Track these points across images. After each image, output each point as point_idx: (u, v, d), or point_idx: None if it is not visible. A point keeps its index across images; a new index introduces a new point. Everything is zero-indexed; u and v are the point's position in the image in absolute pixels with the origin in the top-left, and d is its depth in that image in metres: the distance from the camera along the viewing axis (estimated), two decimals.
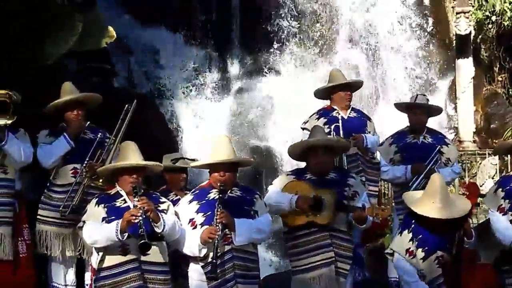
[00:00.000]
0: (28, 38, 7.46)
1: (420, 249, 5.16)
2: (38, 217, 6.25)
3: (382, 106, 11.88)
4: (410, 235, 5.11)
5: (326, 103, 7.46)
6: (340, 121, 7.10)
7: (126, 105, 6.40)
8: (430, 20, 12.80)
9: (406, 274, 5.15)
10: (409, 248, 5.10)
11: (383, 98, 12.09)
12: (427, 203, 5.20)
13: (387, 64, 12.51)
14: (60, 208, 6.11)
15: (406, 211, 5.60)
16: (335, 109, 7.24)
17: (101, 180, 5.89)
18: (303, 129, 7.30)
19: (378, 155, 7.41)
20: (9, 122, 5.70)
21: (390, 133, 7.22)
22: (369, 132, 7.25)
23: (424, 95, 7.35)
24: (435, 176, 5.43)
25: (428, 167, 6.61)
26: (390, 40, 12.63)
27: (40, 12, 7.42)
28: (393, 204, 7.46)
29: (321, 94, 7.50)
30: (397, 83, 12.37)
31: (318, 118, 7.20)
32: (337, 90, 7.25)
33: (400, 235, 5.21)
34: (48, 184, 6.31)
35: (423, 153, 6.83)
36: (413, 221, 5.17)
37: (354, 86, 7.48)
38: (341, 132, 6.95)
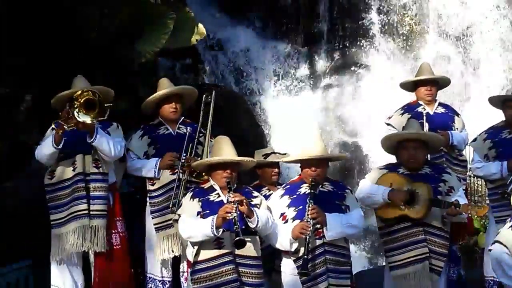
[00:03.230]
0: (122, 37, 7.65)
1: None
2: (155, 227, 6.32)
3: (473, 102, 11.58)
4: None
5: (413, 97, 7.37)
6: (424, 117, 6.97)
7: (204, 96, 6.46)
8: None
9: (509, 268, 4.96)
10: None
11: (475, 93, 11.78)
12: None
13: (480, 59, 12.19)
14: (170, 207, 6.13)
15: None
16: (421, 104, 7.14)
17: (204, 174, 5.95)
18: (387, 124, 7.25)
19: (466, 152, 7.26)
20: (94, 120, 5.82)
21: (479, 130, 7.04)
22: (457, 128, 7.11)
23: None
24: None
25: None
26: (483, 33, 12.29)
27: (135, 11, 7.59)
28: (487, 201, 7.27)
29: (406, 86, 7.43)
30: (491, 77, 12.02)
31: (402, 114, 7.13)
32: (420, 85, 7.16)
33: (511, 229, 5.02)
34: (148, 195, 6.39)
35: None
36: None
37: (440, 82, 7.33)
38: (426, 128, 6.80)
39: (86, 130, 5.91)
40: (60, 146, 5.90)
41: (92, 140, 5.94)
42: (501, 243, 4.97)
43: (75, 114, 5.76)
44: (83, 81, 6.24)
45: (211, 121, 6.32)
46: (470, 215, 5.60)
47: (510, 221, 5.06)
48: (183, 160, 6.25)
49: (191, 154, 6.30)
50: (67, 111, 5.90)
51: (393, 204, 5.61)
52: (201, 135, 6.39)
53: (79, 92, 5.83)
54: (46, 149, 5.97)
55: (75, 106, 5.76)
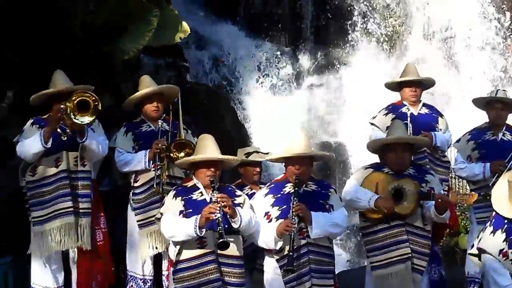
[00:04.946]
0: (106, 34, 7.60)
1: (511, 251, 4.96)
2: (138, 223, 6.31)
3: (456, 104, 11.63)
4: (504, 235, 4.92)
5: (397, 97, 7.38)
6: (408, 118, 6.99)
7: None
8: (508, 14, 12.48)
9: (498, 276, 4.92)
10: (503, 249, 4.89)
11: (458, 95, 11.84)
12: None
13: (462, 60, 12.26)
14: (154, 186, 6.18)
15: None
16: (405, 105, 7.16)
17: (186, 151, 5.91)
18: (371, 124, 7.26)
19: (448, 153, 7.28)
20: (90, 120, 5.81)
21: (463, 131, 7.07)
22: (441, 129, 7.12)
23: (505, 90, 7.17)
24: None
25: (509, 166, 6.44)
26: (466, 35, 12.37)
27: (120, 7, 7.55)
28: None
29: (391, 87, 7.45)
30: (474, 79, 12.10)
31: (386, 114, 7.14)
32: (405, 85, 7.19)
33: (493, 235, 5.00)
34: (132, 192, 6.39)
35: (502, 151, 6.67)
36: (506, 221, 4.98)
37: (425, 83, 7.35)
38: (409, 129, 6.82)
39: (78, 130, 5.90)
40: (49, 145, 5.87)
41: (83, 140, 5.93)
42: (486, 251, 4.95)
43: (73, 119, 5.74)
44: (62, 76, 6.20)
45: (181, 120, 6.34)
46: (459, 203, 5.61)
47: (490, 225, 5.06)
48: (163, 146, 6.24)
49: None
50: (58, 111, 5.84)
51: (378, 210, 5.63)
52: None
53: (71, 97, 5.78)
54: (34, 147, 5.92)
55: (69, 112, 5.73)
